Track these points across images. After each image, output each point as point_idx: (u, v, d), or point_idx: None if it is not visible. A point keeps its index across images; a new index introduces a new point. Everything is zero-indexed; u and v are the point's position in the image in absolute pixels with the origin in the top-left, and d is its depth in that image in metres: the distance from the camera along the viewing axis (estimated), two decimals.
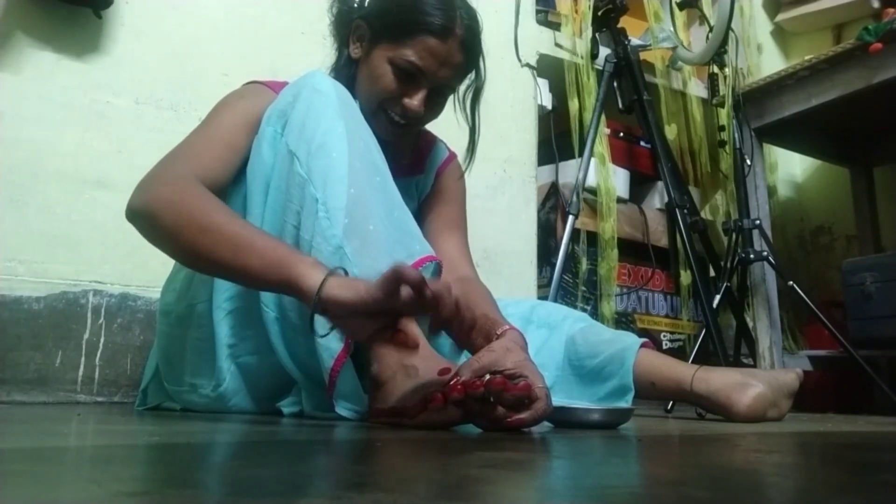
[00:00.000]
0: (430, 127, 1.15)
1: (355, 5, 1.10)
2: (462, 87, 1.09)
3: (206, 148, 0.93)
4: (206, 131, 0.96)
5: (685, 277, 1.94)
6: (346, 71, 1.07)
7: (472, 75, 1.08)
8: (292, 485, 0.34)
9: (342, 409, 0.83)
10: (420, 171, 1.19)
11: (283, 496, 0.31)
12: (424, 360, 0.76)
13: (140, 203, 0.86)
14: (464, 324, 0.78)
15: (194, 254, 0.82)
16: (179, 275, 1.05)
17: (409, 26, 0.98)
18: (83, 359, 1.24)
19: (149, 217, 0.85)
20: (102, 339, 1.27)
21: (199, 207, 0.82)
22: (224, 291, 0.93)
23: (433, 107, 1.05)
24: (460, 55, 1.01)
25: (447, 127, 1.15)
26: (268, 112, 0.93)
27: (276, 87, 1.00)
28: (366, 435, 0.68)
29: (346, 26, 1.08)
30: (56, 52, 1.31)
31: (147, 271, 1.31)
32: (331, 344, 0.80)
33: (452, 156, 1.24)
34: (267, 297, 0.88)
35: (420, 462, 0.48)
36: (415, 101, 1.00)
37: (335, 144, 0.85)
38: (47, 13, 1.31)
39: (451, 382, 0.68)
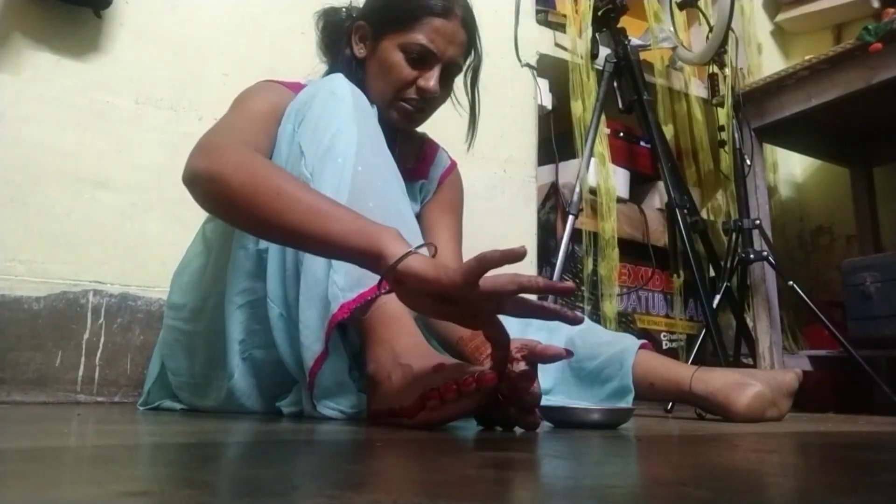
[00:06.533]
0: (427, 126, 1.16)
1: (343, 15, 1.14)
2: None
3: (247, 127, 0.91)
4: (241, 115, 0.95)
5: (678, 279, 1.94)
6: (356, 73, 1.08)
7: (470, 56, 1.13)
8: (292, 485, 0.34)
9: (324, 409, 0.84)
10: (424, 176, 1.21)
11: (283, 496, 0.31)
12: (420, 357, 0.76)
13: (205, 166, 0.80)
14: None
15: (266, 218, 0.76)
16: (190, 268, 1.06)
17: (412, 11, 1.03)
18: (83, 359, 1.24)
19: (216, 180, 0.79)
20: (102, 339, 1.27)
21: (272, 172, 0.78)
22: (236, 285, 0.94)
23: (444, 87, 1.08)
24: (463, 33, 1.06)
25: (444, 120, 1.16)
26: (288, 110, 0.94)
27: (292, 86, 1.01)
28: (365, 435, 0.68)
29: (342, 33, 1.11)
30: (56, 53, 1.31)
31: (147, 271, 1.31)
32: (312, 345, 0.81)
33: (454, 164, 1.27)
34: (273, 293, 0.89)
35: (420, 462, 0.48)
36: (430, 81, 1.04)
37: (342, 149, 0.86)
38: (46, 13, 1.30)
39: (446, 380, 0.69)
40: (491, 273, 0.64)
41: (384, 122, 1.02)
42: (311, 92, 0.93)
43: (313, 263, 0.83)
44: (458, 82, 1.15)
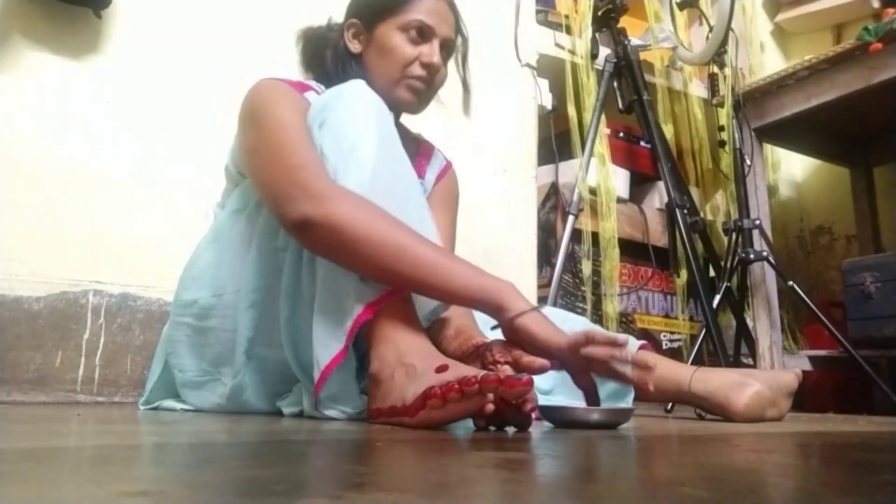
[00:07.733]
0: (426, 125, 1.16)
1: (324, 29, 1.17)
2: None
3: (305, 151, 0.89)
4: (287, 132, 0.92)
5: (681, 278, 1.95)
6: (357, 70, 1.09)
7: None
8: (292, 485, 0.34)
9: (327, 410, 0.84)
10: (421, 176, 1.21)
11: (283, 496, 0.31)
12: (423, 357, 0.77)
13: (322, 213, 0.82)
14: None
15: (389, 270, 0.82)
16: (199, 264, 1.06)
17: None
18: (83, 359, 1.24)
19: (335, 230, 0.82)
20: (102, 339, 1.27)
21: (391, 224, 0.83)
22: (249, 283, 0.95)
23: (443, 64, 1.12)
24: (451, 14, 1.11)
25: (442, 118, 1.16)
26: (310, 112, 0.94)
27: (296, 85, 1.02)
28: (366, 435, 0.68)
29: (326, 42, 1.13)
30: (56, 53, 1.31)
31: (147, 271, 1.31)
32: (329, 345, 0.81)
33: (450, 164, 1.28)
34: (288, 293, 0.90)
35: (420, 462, 0.48)
36: (433, 56, 1.07)
37: (363, 155, 0.86)
38: (47, 13, 1.30)
39: (449, 381, 0.69)
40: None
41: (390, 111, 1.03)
42: (333, 95, 0.93)
43: (332, 265, 0.84)
44: (451, 83, 1.16)
